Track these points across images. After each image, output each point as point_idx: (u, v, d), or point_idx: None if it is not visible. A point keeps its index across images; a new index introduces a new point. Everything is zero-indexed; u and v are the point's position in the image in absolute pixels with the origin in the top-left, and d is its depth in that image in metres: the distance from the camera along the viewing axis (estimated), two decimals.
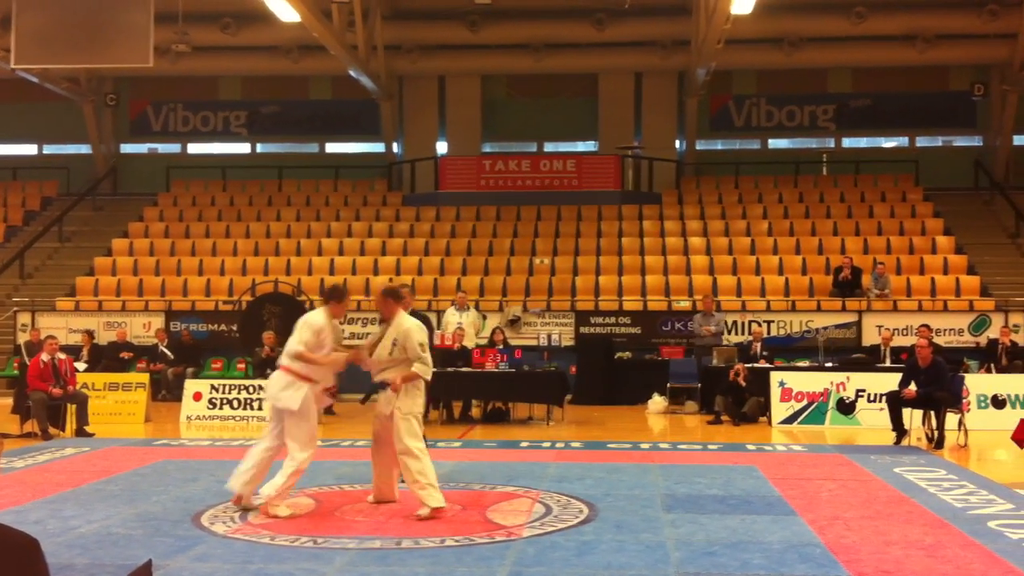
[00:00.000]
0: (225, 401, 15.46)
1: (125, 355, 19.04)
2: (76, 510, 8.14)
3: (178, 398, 16.42)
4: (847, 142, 27.28)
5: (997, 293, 20.54)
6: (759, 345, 17.15)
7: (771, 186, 25.28)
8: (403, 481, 8.16)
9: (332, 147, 28.15)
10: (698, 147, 26.99)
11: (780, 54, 24.93)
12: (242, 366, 19.06)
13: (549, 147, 27.51)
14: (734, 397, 15.17)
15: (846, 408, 14.64)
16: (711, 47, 20.88)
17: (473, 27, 24.91)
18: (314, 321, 8.14)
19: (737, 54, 23.61)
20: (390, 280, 20.87)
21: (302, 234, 23.67)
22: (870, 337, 18.80)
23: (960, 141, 27.03)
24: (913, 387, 12.54)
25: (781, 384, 14.90)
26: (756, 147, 27.38)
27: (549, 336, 18.70)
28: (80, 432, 13.44)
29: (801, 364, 16.58)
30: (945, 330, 18.78)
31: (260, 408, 15.00)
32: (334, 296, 8.36)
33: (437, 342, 15.44)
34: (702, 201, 24.71)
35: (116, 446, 12.34)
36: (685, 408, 16.82)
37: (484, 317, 18.77)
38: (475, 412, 15.87)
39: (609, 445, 12.52)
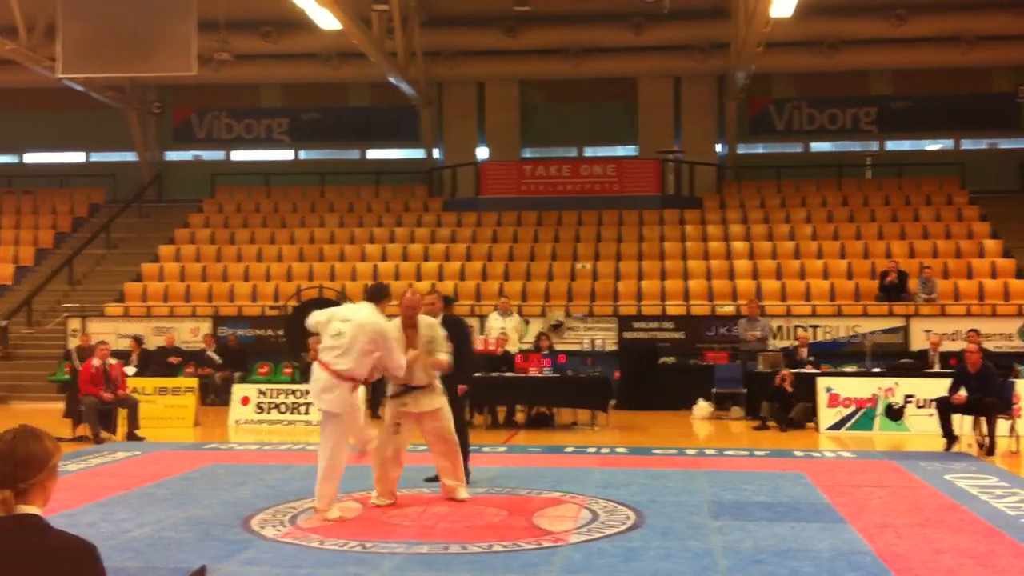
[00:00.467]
0: (272, 405, 15.58)
1: (173, 360, 19.25)
2: (128, 513, 8.25)
3: (226, 402, 16.57)
4: (890, 145, 26.99)
5: None
6: (805, 350, 17.01)
7: (814, 189, 25.08)
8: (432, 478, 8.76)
9: (373, 153, 28.30)
10: (739, 151, 26.85)
11: (820, 56, 24.72)
12: (288, 371, 19.20)
13: (589, 152, 27.48)
14: (780, 403, 15.06)
15: (895, 414, 14.49)
16: (751, 50, 20.76)
17: (511, 32, 24.94)
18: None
19: (777, 57, 23.45)
20: (433, 286, 20.89)
21: (345, 240, 23.82)
22: (918, 342, 18.58)
23: (1005, 143, 26.66)
24: (963, 392, 12.40)
25: (828, 390, 14.77)
26: (798, 150, 27.16)
27: (592, 341, 18.64)
28: (131, 436, 13.62)
29: (848, 369, 16.43)
30: (994, 335, 18.51)
31: (307, 412, 15.12)
32: (378, 296, 8.24)
33: (480, 347, 15.48)
34: (744, 205, 24.58)
35: (166, 450, 12.48)
36: (730, 414, 16.71)
37: (527, 322, 18.77)
38: (519, 417, 15.88)
39: (654, 451, 12.47)
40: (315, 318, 8.17)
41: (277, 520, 7.97)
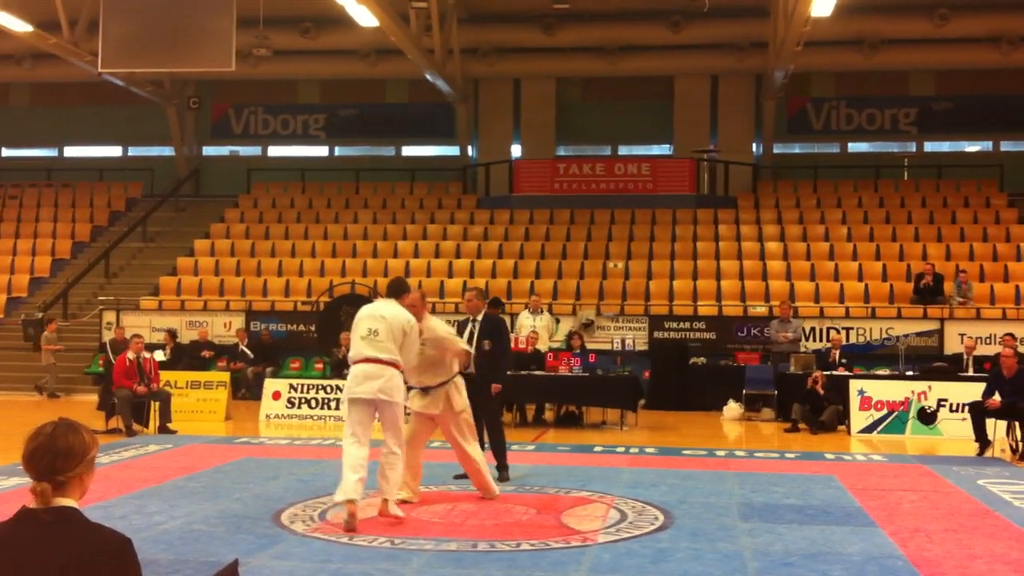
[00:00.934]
0: (303, 400, 15.69)
1: (206, 354, 19.42)
2: (160, 506, 8.33)
3: (257, 397, 16.70)
4: (929, 146, 26.73)
5: None
6: (838, 352, 16.89)
7: (851, 190, 24.88)
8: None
9: (408, 150, 28.41)
10: (775, 150, 26.69)
11: (860, 56, 24.51)
12: (320, 366, 19.32)
13: (623, 150, 27.42)
14: (812, 405, 14.97)
15: (927, 418, 14.37)
16: (789, 49, 20.62)
17: (548, 30, 24.92)
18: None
19: (816, 56, 23.29)
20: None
21: (378, 236, 23.92)
22: (952, 345, 18.41)
23: None
24: (997, 397, 12.28)
25: (860, 392, 14.67)
26: (835, 151, 26.98)
27: (623, 340, 18.61)
28: (163, 429, 13.76)
29: (881, 372, 16.31)
30: None
31: (337, 407, 15.20)
32: (399, 291, 8.15)
33: (511, 345, 15.48)
34: (779, 205, 24.44)
35: (198, 443, 12.60)
36: (761, 415, 16.62)
37: (557, 321, 18.77)
38: (548, 415, 15.89)
39: (684, 451, 12.44)
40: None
41: (307, 515, 8.02)
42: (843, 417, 14.88)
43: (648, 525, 7.77)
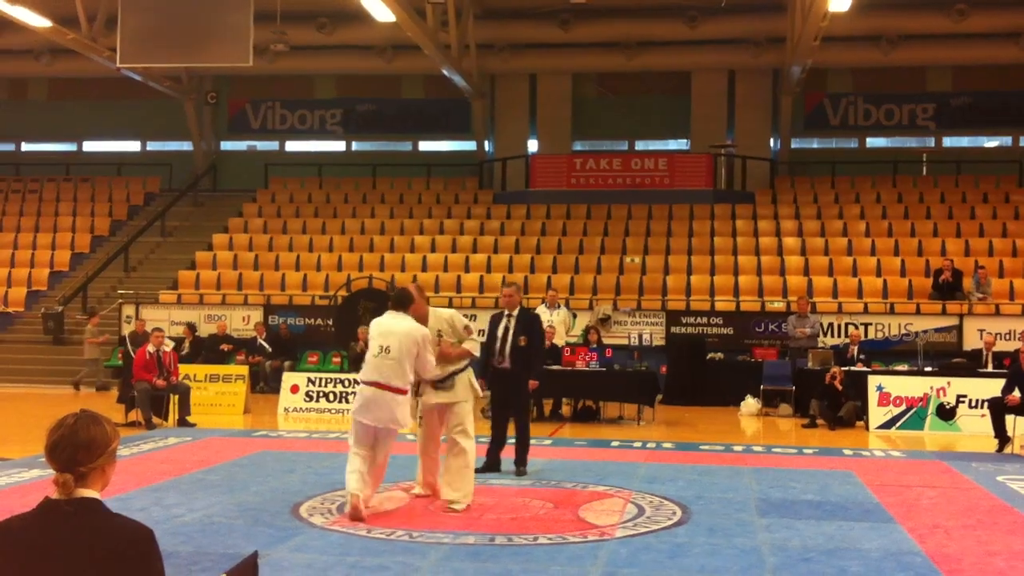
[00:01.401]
0: (321, 394, 15.74)
1: (225, 347, 19.50)
2: (179, 498, 8.37)
3: (276, 390, 16.76)
4: (947, 141, 26.61)
5: None
6: (856, 348, 16.83)
7: (869, 186, 24.78)
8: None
9: (425, 145, 28.44)
10: (793, 146, 26.60)
11: (878, 52, 24.40)
12: (337, 360, 19.37)
13: (640, 145, 27.37)
14: (830, 401, 14.92)
15: (946, 414, 14.30)
16: (807, 44, 20.55)
17: (565, 25, 24.90)
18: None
19: (833, 51, 23.20)
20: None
21: (395, 231, 23.96)
22: (971, 341, 18.32)
23: None
24: (1017, 393, 12.21)
25: (879, 388, 14.61)
26: (853, 146, 26.88)
27: (640, 335, 18.60)
28: (182, 422, 13.83)
29: (900, 368, 16.26)
30: None
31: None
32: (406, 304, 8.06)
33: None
34: (797, 201, 24.36)
35: (216, 436, 12.65)
36: (779, 411, 16.58)
37: (574, 315, 18.76)
38: (565, 410, 15.89)
39: (701, 447, 12.42)
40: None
41: (325, 508, 8.05)
42: (861, 413, 14.83)
43: (665, 520, 7.77)
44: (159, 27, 19.21)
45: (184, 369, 15.30)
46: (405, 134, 28.30)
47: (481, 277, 21.48)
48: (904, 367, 16.30)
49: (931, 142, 26.63)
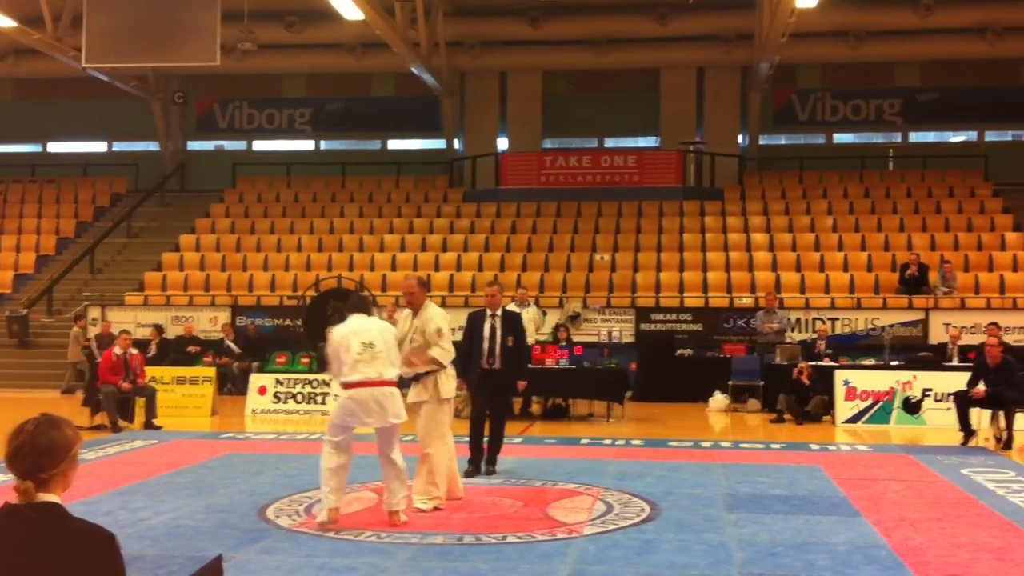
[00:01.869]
0: (290, 395, 15.67)
1: (192, 349, 19.36)
2: (145, 502, 8.31)
3: (243, 392, 16.66)
4: (914, 136, 26.86)
5: None
6: (823, 343, 16.95)
7: (836, 181, 24.96)
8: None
9: (394, 144, 28.37)
10: (761, 142, 26.74)
11: (846, 47, 24.59)
12: (306, 360, 19.28)
13: (610, 143, 27.43)
14: (797, 396, 15.02)
15: (912, 408, 14.42)
16: (775, 41, 20.66)
17: (534, 23, 24.91)
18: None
19: (801, 48, 23.35)
20: (451, 276, 20.98)
21: (365, 230, 23.88)
22: (937, 335, 18.49)
23: None
24: (982, 386, 12.34)
25: (846, 383, 14.73)
26: (821, 142, 27.06)
27: (609, 333, 18.62)
28: (148, 425, 13.73)
29: (866, 362, 16.38)
30: (1014, 328, 18.38)
31: (324, 402, 15.19)
32: (367, 308, 7.95)
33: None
34: (765, 196, 24.49)
35: (183, 439, 12.57)
36: (747, 406, 16.67)
37: (544, 313, 18.76)
38: (535, 408, 15.90)
39: (670, 443, 12.47)
40: (333, 344, 7.52)
41: (293, 510, 8.02)
42: (828, 407, 14.94)
43: (634, 516, 7.79)
44: (125, 26, 19.05)
45: (151, 371, 15.18)
46: (375, 132, 28.22)
47: (451, 276, 21.46)
48: (870, 361, 16.42)
49: (898, 137, 26.86)
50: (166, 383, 15.58)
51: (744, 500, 8.50)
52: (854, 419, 14.54)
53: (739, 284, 20.83)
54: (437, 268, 21.93)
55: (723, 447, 12.18)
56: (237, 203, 25.85)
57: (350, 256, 22.58)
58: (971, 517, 7.88)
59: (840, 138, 27.05)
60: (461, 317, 10.54)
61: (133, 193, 27.31)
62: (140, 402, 14.03)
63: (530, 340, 16.34)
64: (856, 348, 18.29)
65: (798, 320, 19.04)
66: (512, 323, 9.76)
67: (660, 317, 19.71)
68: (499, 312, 9.70)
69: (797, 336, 18.48)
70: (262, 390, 15.82)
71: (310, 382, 15.76)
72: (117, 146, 29.26)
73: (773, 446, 12.36)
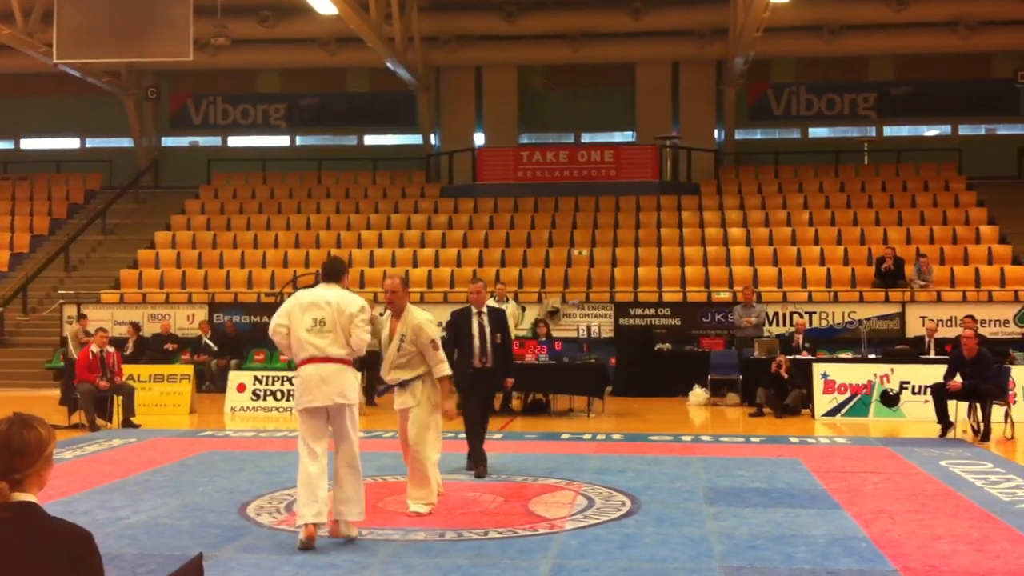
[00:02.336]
0: (268, 392, 15.59)
1: (170, 347, 19.23)
2: (124, 500, 8.25)
3: (222, 389, 16.58)
4: (888, 131, 27.00)
5: None
6: (801, 336, 17.02)
7: (811, 175, 25.08)
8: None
9: (370, 139, 28.29)
10: (737, 136, 26.84)
11: (820, 42, 24.71)
12: (285, 357, 19.16)
13: (586, 138, 27.45)
14: (776, 389, 15.07)
15: (890, 400, 14.50)
16: (750, 35, 20.73)
17: (510, 18, 24.89)
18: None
19: (776, 42, 23.44)
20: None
21: (342, 226, 23.79)
22: (914, 328, 18.61)
23: (1003, 129, 26.68)
24: (958, 379, 12.41)
25: (824, 376, 14.79)
26: (796, 136, 27.17)
27: (588, 328, 18.65)
28: (126, 423, 13.62)
29: (844, 356, 16.45)
30: (990, 321, 18.54)
31: None
32: (338, 274, 7.17)
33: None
34: (741, 191, 24.58)
35: (162, 437, 12.48)
36: (726, 400, 16.72)
37: (523, 309, 18.76)
38: (515, 404, 15.89)
39: (650, 437, 12.49)
40: (280, 319, 7.01)
41: (273, 507, 7.97)
42: (807, 401, 15.00)
43: (615, 511, 7.79)
44: (96, 21, 18.90)
45: (128, 369, 15.05)
46: (350, 128, 28.13)
47: (429, 272, 21.42)
48: (848, 355, 16.50)
49: (872, 131, 27.01)
50: (144, 381, 15.47)
51: (724, 493, 8.52)
52: (832, 412, 14.61)
53: (717, 279, 20.90)
54: (415, 264, 21.89)
55: (703, 441, 12.21)
56: (212, 199, 25.71)
57: (327, 252, 22.42)
58: (949, 509, 7.93)
59: (815, 132, 27.18)
60: (440, 314, 10.53)
61: (107, 190, 27.11)
62: (118, 400, 13.92)
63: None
64: (834, 342, 18.38)
65: (776, 314, 19.11)
66: (498, 320, 9.71)
67: (639, 312, 19.75)
68: (484, 309, 9.63)
69: (775, 330, 18.56)
70: (241, 387, 15.73)
71: (289, 379, 15.67)
72: (90, 142, 29.03)
73: (752, 440, 12.41)
